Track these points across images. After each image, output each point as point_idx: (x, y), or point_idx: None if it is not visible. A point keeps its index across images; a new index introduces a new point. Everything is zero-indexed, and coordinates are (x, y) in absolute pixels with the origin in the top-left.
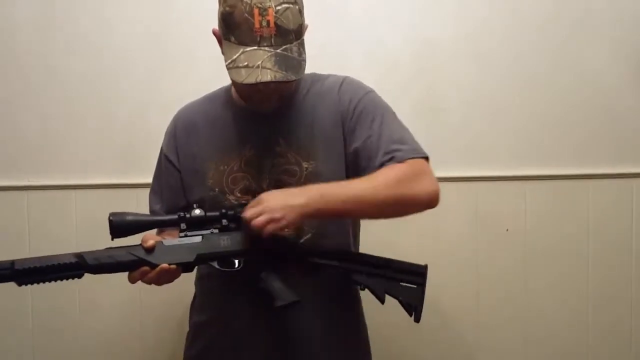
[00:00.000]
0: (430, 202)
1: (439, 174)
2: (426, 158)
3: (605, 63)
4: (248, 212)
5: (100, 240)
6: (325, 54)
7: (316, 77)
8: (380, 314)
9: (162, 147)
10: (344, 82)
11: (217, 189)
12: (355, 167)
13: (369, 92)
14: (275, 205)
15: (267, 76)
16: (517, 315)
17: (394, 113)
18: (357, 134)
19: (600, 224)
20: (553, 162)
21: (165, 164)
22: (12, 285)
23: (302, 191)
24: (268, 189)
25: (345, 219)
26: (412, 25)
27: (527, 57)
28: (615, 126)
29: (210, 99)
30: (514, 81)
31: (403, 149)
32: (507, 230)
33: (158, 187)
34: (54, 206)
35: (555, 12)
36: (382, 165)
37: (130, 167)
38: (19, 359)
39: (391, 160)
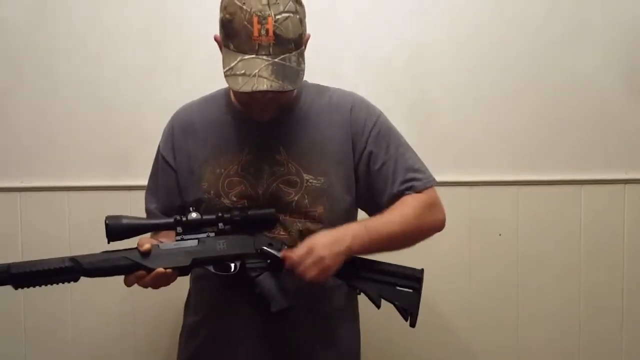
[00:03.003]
0: (442, 227)
1: None
2: (435, 183)
3: (598, 69)
4: (301, 266)
5: (93, 242)
6: (319, 59)
7: (321, 89)
8: (376, 318)
9: (159, 147)
10: (355, 102)
11: (212, 192)
12: (368, 187)
13: (380, 114)
14: (324, 253)
15: (264, 85)
16: (509, 319)
17: (402, 136)
18: (374, 158)
19: (592, 229)
20: (546, 167)
21: (161, 163)
22: (4, 287)
23: (346, 233)
24: (264, 195)
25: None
26: (405, 29)
27: (520, 62)
28: (607, 132)
29: (208, 100)
30: (507, 86)
31: (420, 178)
32: (499, 235)
33: (154, 187)
34: (47, 208)
35: (547, 18)
36: (400, 192)
37: (124, 170)
38: None
39: (410, 189)
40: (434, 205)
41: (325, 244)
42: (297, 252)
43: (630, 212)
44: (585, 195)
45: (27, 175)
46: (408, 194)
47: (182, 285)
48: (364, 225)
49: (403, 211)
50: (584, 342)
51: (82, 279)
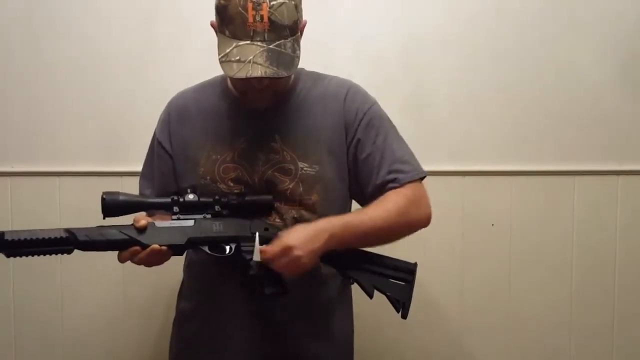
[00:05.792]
0: (427, 224)
1: (426, 168)
2: (424, 177)
3: (592, 60)
4: (276, 262)
5: None
6: (313, 49)
7: (318, 77)
8: (369, 308)
9: (154, 133)
10: (350, 90)
11: (208, 178)
12: (355, 176)
13: (374, 104)
14: (300, 253)
15: (258, 71)
16: (501, 309)
17: (395, 127)
18: (362, 146)
19: (585, 220)
20: (539, 158)
21: (157, 149)
22: None
23: (324, 229)
24: (259, 182)
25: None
26: (400, 20)
27: (515, 54)
28: (600, 123)
29: (205, 87)
30: (501, 77)
31: (406, 170)
32: (492, 225)
33: (149, 173)
34: (38, 193)
35: (542, 10)
36: (384, 183)
37: (115, 155)
38: None
39: (394, 181)
40: (419, 201)
41: (301, 243)
42: (272, 250)
43: (623, 203)
44: (578, 186)
45: (17, 160)
46: (392, 185)
47: (173, 271)
48: (343, 221)
49: (385, 207)
50: (575, 331)
51: (72, 263)
